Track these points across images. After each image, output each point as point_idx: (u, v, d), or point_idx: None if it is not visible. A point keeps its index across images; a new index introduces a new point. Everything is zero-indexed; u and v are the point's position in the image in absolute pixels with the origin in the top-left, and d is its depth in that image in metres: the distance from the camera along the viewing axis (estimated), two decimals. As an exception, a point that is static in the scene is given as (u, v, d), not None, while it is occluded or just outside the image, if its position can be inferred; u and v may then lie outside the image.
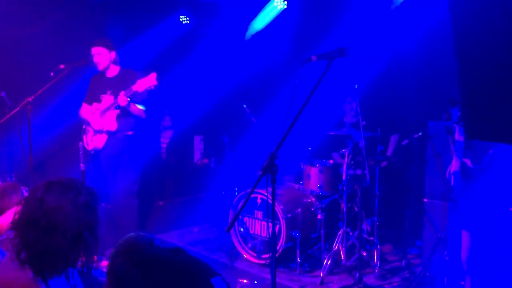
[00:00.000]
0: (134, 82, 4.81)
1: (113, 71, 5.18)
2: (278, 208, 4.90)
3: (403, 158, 5.46)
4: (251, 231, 5.18)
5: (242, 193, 5.28)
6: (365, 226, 5.06)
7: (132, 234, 1.63)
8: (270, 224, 2.79)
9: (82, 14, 6.23)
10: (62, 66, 4.80)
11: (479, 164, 3.68)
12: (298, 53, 6.54)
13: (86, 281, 2.10)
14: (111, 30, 6.55)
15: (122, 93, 4.84)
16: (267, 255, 5.03)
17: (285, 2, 6.90)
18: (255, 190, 4.60)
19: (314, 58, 2.95)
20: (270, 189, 2.72)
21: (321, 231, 4.97)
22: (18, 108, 4.54)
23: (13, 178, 4.93)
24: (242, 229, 5.24)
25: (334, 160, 5.29)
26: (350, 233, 4.95)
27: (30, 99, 4.56)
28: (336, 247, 4.88)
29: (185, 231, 6.30)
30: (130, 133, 5.13)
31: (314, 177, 5.05)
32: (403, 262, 4.97)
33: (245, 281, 4.67)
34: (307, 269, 4.92)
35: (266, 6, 7.01)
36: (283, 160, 5.32)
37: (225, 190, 6.02)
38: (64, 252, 1.85)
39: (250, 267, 5.06)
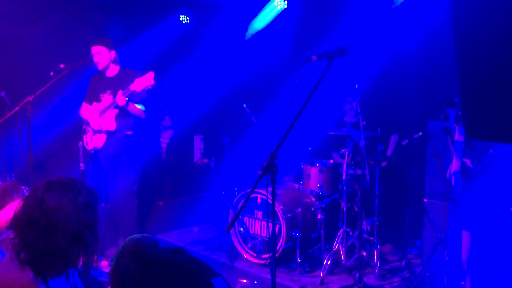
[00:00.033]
0: (132, 82, 4.81)
1: (113, 70, 5.18)
2: (278, 208, 4.90)
3: (403, 158, 5.46)
4: (251, 231, 5.18)
5: (242, 193, 5.27)
6: (365, 226, 5.06)
7: (136, 235, 1.62)
8: (270, 224, 2.79)
9: (82, 14, 6.22)
10: (62, 66, 4.80)
11: (479, 164, 3.68)
12: (298, 53, 6.53)
13: (85, 281, 2.10)
14: (111, 30, 6.55)
15: (120, 92, 4.84)
16: (267, 255, 5.02)
17: (285, 2, 6.89)
18: (255, 190, 4.59)
19: (314, 58, 2.95)
20: (270, 189, 2.72)
21: (321, 231, 4.97)
22: (18, 108, 4.54)
23: (13, 178, 4.93)
24: (242, 229, 5.24)
25: (334, 160, 5.29)
26: (350, 233, 4.95)
27: (30, 99, 4.55)
28: (336, 247, 4.88)
29: (185, 231, 6.30)
30: (129, 133, 5.13)
31: (314, 177, 5.05)
32: (403, 262, 4.97)
33: (245, 281, 4.67)
34: (307, 269, 4.92)
35: (266, 6, 7.00)
36: (283, 160, 5.32)
37: (225, 190, 6.02)
38: (64, 252, 1.85)
39: (250, 267, 5.06)
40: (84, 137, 5.21)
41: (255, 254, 5.13)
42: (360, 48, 5.56)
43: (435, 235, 4.58)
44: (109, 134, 5.05)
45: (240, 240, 5.26)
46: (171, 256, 1.52)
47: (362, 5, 5.94)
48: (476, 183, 3.70)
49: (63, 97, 5.73)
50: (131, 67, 5.36)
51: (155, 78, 4.81)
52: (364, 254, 4.80)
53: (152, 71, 4.85)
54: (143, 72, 4.99)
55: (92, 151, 5.15)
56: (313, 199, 5.17)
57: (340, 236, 4.90)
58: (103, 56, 5.07)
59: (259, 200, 5.13)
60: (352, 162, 4.87)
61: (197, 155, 7.88)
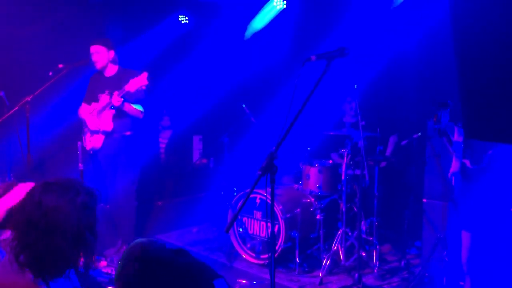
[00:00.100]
0: (128, 82, 4.81)
1: (112, 70, 5.17)
2: (277, 208, 4.89)
3: (402, 159, 5.46)
4: (250, 231, 5.18)
5: (241, 193, 5.27)
6: (364, 226, 5.06)
7: (141, 239, 1.62)
8: (269, 224, 2.78)
9: (82, 14, 6.22)
10: (61, 66, 4.80)
11: (479, 165, 3.68)
12: (298, 53, 6.53)
13: (84, 281, 2.09)
14: (111, 30, 6.55)
15: (115, 93, 4.84)
16: (266, 255, 5.02)
17: (285, 2, 6.89)
18: (254, 190, 4.58)
19: (313, 58, 2.95)
20: (269, 189, 2.71)
21: (320, 231, 4.96)
22: (16, 108, 4.54)
23: (12, 178, 4.92)
24: (241, 229, 5.23)
25: (333, 160, 5.29)
26: (349, 233, 4.95)
27: (29, 99, 4.55)
28: (335, 247, 4.88)
29: (184, 231, 6.30)
30: (127, 133, 5.12)
31: (313, 177, 5.04)
32: (402, 263, 4.97)
33: (244, 281, 4.67)
34: (306, 269, 4.92)
35: (266, 6, 7.00)
36: (282, 160, 5.32)
37: (224, 190, 6.01)
38: (64, 252, 1.84)
39: (249, 267, 5.06)
40: (84, 137, 5.21)
41: (254, 255, 5.13)
42: (360, 48, 5.56)
43: (434, 235, 4.57)
44: (107, 134, 5.04)
45: (239, 241, 5.26)
46: (173, 257, 1.52)
47: (361, 5, 5.94)
48: (476, 183, 3.70)
49: (62, 97, 5.73)
50: (130, 67, 5.35)
51: (151, 78, 4.81)
52: (363, 254, 4.80)
53: (152, 71, 4.85)
54: (142, 72, 4.99)
55: (91, 152, 5.14)
56: (312, 199, 5.17)
57: (339, 237, 4.89)
58: (101, 56, 5.06)
59: (258, 201, 5.13)
60: (351, 163, 4.87)
61: (196, 155, 7.88)
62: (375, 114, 5.20)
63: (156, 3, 7.05)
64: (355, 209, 5.12)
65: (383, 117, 5.35)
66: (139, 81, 4.76)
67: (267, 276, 4.73)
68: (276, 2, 6.94)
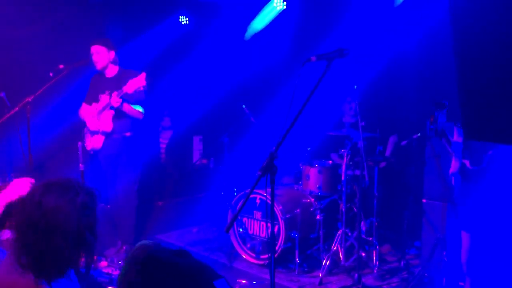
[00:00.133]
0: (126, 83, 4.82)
1: (112, 71, 5.18)
2: (277, 209, 4.90)
3: (402, 159, 5.46)
4: (250, 232, 5.18)
5: (241, 193, 5.27)
6: (364, 227, 5.06)
7: (145, 242, 1.62)
8: (269, 224, 2.79)
9: (82, 14, 6.22)
10: (61, 66, 4.80)
11: (478, 166, 3.68)
12: (298, 53, 6.54)
13: (84, 281, 2.10)
14: (111, 30, 6.55)
15: (114, 93, 4.85)
16: (266, 256, 5.02)
17: (285, 3, 6.90)
18: (254, 190, 4.59)
19: (313, 58, 2.96)
20: (269, 190, 2.72)
21: (320, 232, 4.97)
22: (17, 108, 4.53)
23: (13, 178, 4.92)
24: (241, 230, 5.24)
25: (333, 161, 5.29)
26: (349, 234, 4.95)
27: (30, 99, 4.54)
28: (335, 248, 4.88)
29: (184, 231, 6.30)
30: (128, 134, 5.12)
31: (313, 178, 5.05)
32: (402, 263, 4.97)
33: (244, 281, 4.67)
34: (306, 269, 4.92)
35: (266, 6, 7.01)
36: (282, 161, 5.32)
37: (224, 190, 6.02)
38: (65, 253, 1.84)
39: (249, 268, 5.06)
40: (85, 137, 5.21)
41: (254, 255, 5.13)
42: (360, 49, 5.57)
43: (434, 235, 4.58)
44: (106, 135, 5.04)
45: (239, 241, 5.26)
46: (174, 258, 1.52)
47: (361, 5, 5.94)
48: (475, 184, 3.70)
49: (63, 98, 5.73)
50: (130, 67, 5.35)
51: (152, 79, 4.83)
52: (363, 254, 4.80)
53: (152, 71, 4.86)
54: (141, 73, 4.99)
55: (91, 152, 5.15)
56: (312, 199, 5.17)
57: (339, 237, 4.90)
58: (102, 56, 5.06)
59: (258, 201, 5.13)
60: (351, 163, 4.88)
61: (196, 156, 7.88)
62: (375, 114, 5.20)
63: (156, 3, 7.06)
64: (354, 209, 5.12)
65: (383, 117, 5.36)
66: (137, 82, 4.75)
67: (267, 276, 4.73)
68: (276, 3, 6.95)
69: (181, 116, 7.70)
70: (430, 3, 5.39)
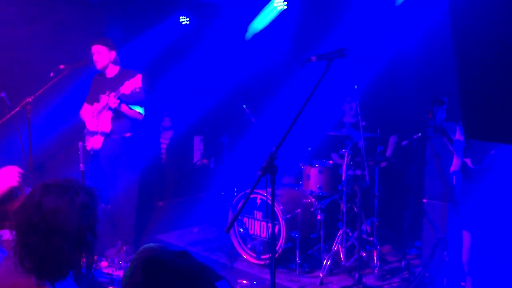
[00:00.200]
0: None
1: (112, 71, 5.18)
2: (278, 209, 4.90)
3: (402, 159, 5.46)
4: (251, 232, 5.18)
5: (241, 193, 5.27)
6: (365, 227, 5.06)
7: (149, 244, 1.63)
8: (269, 224, 2.79)
9: (82, 14, 6.23)
10: (62, 67, 4.80)
11: (480, 165, 3.67)
12: (298, 53, 6.53)
13: (85, 281, 2.10)
14: (111, 30, 6.55)
15: (112, 94, 4.85)
16: (267, 256, 5.02)
17: (285, 3, 6.90)
18: (255, 190, 4.59)
19: (313, 58, 2.96)
20: (269, 190, 2.72)
21: (321, 232, 4.97)
22: (17, 109, 4.53)
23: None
24: (241, 230, 5.24)
25: (334, 161, 5.29)
26: (350, 234, 4.95)
27: (30, 99, 4.55)
28: (335, 248, 4.88)
29: (185, 231, 6.30)
30: (128, 134, 5.12)
31: (313, 178, 5.04)
32: (403, 263, 4.97)
33: (244, 281, 4.67)
34: (306, 269, 4.92)
35: (266, 6, 7.01)
36: (283, 161, 5.32)
37: (224, 190, 6.02)
38: (65, 253, 1.84)
39: (249, 268, 5.06)
40: (85, 137, 5.21)
41: (254, 255, 5.13)
42: (360, 49, 5.56)
43: (435, 235, 4.57)
44: (105, 135, 5.04)
45: (240, 241, 5.26)
46: (176, 259, 1.52)
47: (362, 5, 5.94)
48: (477, 183, 3.69)
49: (63, 98, 5.73)
50: (130, 67, 5.35)
51: (149, 79, 4.82)
52: (364, 254, 4.80)
53: (152, 71, 4.87)
54: (143, 73, 4.99)
55: (91, 152, 5.15)
56: (313, 199, 5.17)
57: (340, 237, 4.90)
58: (102, 56, 5.06)
59: (258, 201, 5.13)
60: (351, 163, 4.87)
61: (196, 156, 7.89)
62: (375, 114, 5.20)
63: (156, 3, 7.06)
64: (355, 209, 5.12)
65: (383, 117, 5.35)
66: (133, 83, 4.75)
67: (268, 277, 4.73)
68: (277, 3, 6.94)
69: (181, 116, 7.70)
70: (430, 3, 5.39)
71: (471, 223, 3.73)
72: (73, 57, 5.04)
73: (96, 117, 5.06)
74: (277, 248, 4.89)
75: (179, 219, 6.48)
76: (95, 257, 1.99)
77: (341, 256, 4.87)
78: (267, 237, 5.01)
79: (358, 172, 4.77)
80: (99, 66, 5.10)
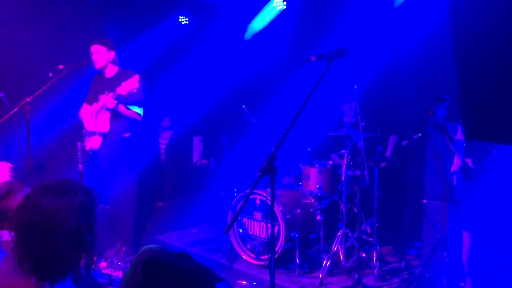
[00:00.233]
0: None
1: (112, 71, 5.17)
2: (277, 209, 4.89)
3: (402, 159, 5.46)
4: (250, 232, 5.17)
5: (241, 194, 5.27)
6: (364, 227, 5.06)
7: (150, 246, 1.62)
8: (269, 225, 2.78)
9: (82, 14, 6.22)
10: (61, 67, 4.79)
11: (480, 165, 3.67)
12: (298, 54, 6.53)
13: (84, 282, 2.09)
14: (111, 30, 6.54)
15: (110, 95, 4.84)
16: (266, 256, 5.02)
17: (285, 3, 6.90)
18: (254, 191, 4.58)
19: (313, 58, 2.96)
20: (269, 190, 2.71)
21: (320, 232, 4.96)
22: (16, 109, 4.53)
23: (12, 179, 4.91)
24: (241, 230, 5.23)
25: (333, 161, 5.28)
26: (349, 234, 4.95)
27: (29, 100, 4.55)
28: (335, 248, 4.88)
29: (184, 232, 6.30)
30: (126, 135, 5.11)
31: (313, 178, 5.04)
32: (402, 263, 4.96)
33: (244, 282, 4.66)
34: (306, 270, 4.91)
35: (266, 6, 7.01)
36: (282, 161, 5.31)
37: (224, 191, 6.02)
38: (66, 254, 1.84)
39: (249, 268, 5.06)
40: (84, 138, 5.21)
41: (254, 255, 5.12)
42: (360, 49, 5.56)
43: (435, 236, 4.57)
44: (104, 136, 5.03)
45: (239, 241, 5.25)
46: (176, 261, 1.52)
47: (361, 6, 5.94)
48: (477, 183, 3.69)
49: (62, 98, 5.72)
50: (130, 67, 5.34)
51: (149, 79, 4.81)
52: (363, 255, 4.79)
53: (152, 71, 4.86)
54: (143, 73, 4.98)
55: (90, 152, 5.14)
56: (312, 200, 5.16)
57: (339, 237, 4.89)
58: (101, 56, 5.05)
59: (258, 201, 5.12)
60: (351, 163, 4.87)
61: (196, 156, 7.88)
62: (375, 114, 5.19)
63: (156, 3, 7.05)
64: (355, 210, 5.11)
65: (383, 117, 5.35)
66: (129, 84, 4.74)
67: (267, 277, 4.73)
68: (276, 3, 6.94)
69: (181, 116, 7.69)
70: (430, 3, 5.39)
71: (471, 223, 3.73)
72: (72, 57, 5.03)
73: (95, 118, 5.05)
74: (276, 248, 4.89)
75: (178, 220, 6.48)
76: (94, 258, 1.98)
77: (341, 257, 4.86)
78: (266, 237, 5.01)
79: (358, 173, 4.76)
80: (98, 66, 5.10)
